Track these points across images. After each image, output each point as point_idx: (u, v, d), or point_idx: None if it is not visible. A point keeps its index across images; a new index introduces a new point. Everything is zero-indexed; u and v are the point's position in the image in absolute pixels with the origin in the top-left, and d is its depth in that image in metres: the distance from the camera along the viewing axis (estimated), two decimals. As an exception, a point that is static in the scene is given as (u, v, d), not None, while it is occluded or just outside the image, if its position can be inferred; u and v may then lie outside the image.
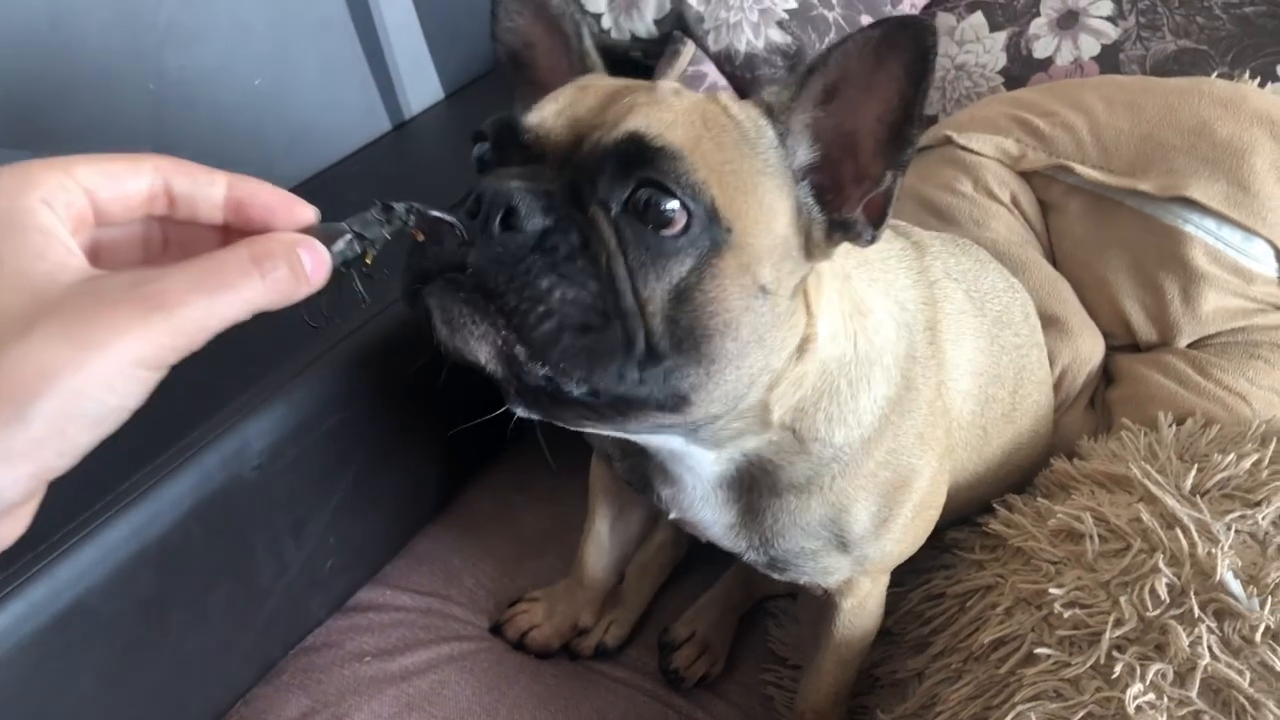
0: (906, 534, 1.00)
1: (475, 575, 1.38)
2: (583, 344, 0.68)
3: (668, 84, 0.78)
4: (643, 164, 0.69)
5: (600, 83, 0.79)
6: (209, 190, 0.56)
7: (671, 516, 1.00)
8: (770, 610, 1.34)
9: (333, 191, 1.45)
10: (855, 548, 0.97)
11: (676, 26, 1.58)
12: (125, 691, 1.07)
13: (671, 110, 0.73)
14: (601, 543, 1.26)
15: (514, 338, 0.68)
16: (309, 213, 0.58)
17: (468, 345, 0.70)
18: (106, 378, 0.47)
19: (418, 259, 0.69)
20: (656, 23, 1.59)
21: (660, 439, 0.87)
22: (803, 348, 0.83)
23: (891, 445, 0.94)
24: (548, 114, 0.74)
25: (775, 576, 1.02)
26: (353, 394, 1.21)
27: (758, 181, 0.73)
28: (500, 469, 1.52)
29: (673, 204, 0.69)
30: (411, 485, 1.39)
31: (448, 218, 0.65)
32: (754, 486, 0.93)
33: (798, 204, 0.76)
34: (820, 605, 1.08)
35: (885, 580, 1.09)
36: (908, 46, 0.67)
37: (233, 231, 0.57)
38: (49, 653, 0.97)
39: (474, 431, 1.46)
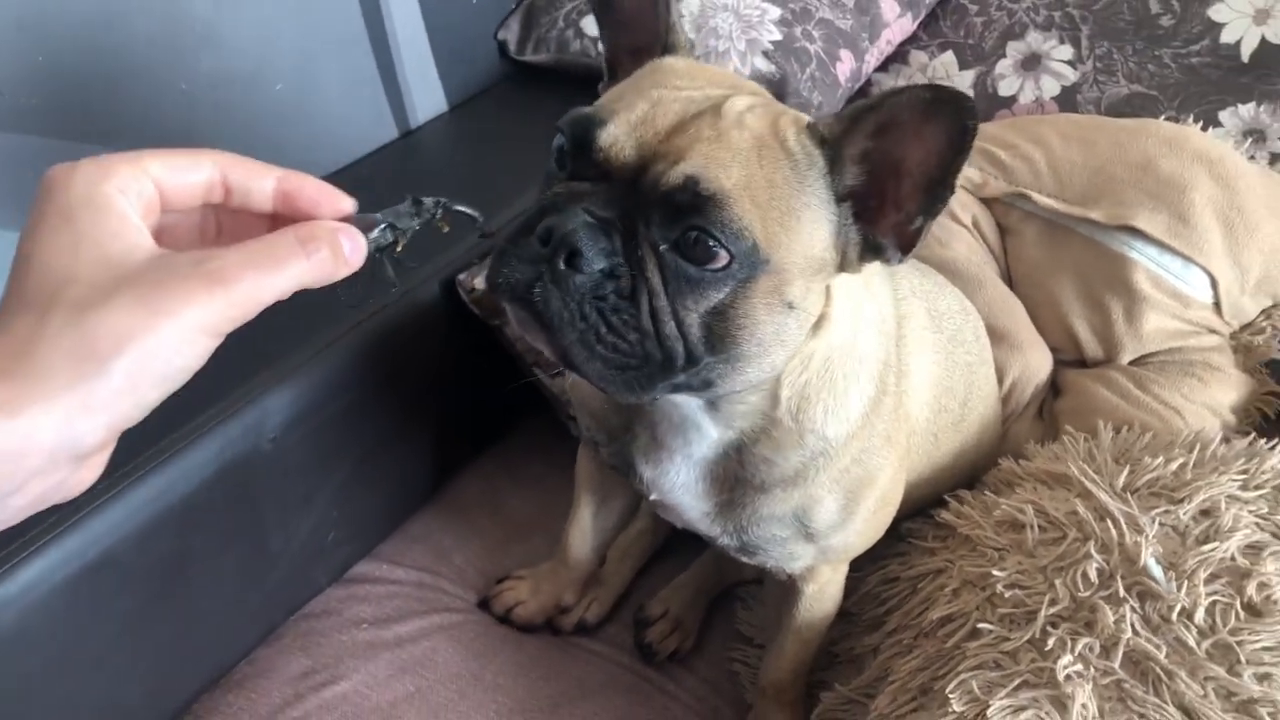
0: (867, 528, 1.09)
1: (464, 554, 1.46)
2: (623, 378, 0.80)
3: (736, 107, 0.81)
4: (693, 212, 0.76)
5: (674, 96, 0.82)
6: (261, 183, 0.63)
7: (652, 498, 1.07)
8: (739, 595, 1.43)
9: (344, 191, 1.54)
10: (820, 538, 1.05)
11: (667, 53, 1.69)
12: (143, 641, 1.15)
13: (730, 149, 0.78)
14: (585, 528, 1.34)
15: (569, 363, 0.80)
16: (349, 203, 0.65)
17: (536, 342, 0.83)
18: (175, 341, 0.54)
19: (499, 271, 0.80)
20: (599, 87, 1.70)
21: (679, 399, 0.94)
22: (818, 324, 0.90)
23: (863, 444, 1.01)
24: (620, 134, 0.79)
25: (744, 560, 1.10)
26: (362, 379, 1.31)
27: (802, 213, 0.80)
28: (491, 458, 1.60)
29: (716, 246, 0.77)
30: (408, 468, 1.48)
31: (471, 212, 0.73)
32: (738, 485, 1.00)
33: (838, 226, 0.83)
34: (784, 589, 1.16)
35: (844, 569, 1.17)
36: (951, 117, 0.73)
37: (280, 220, 0.64)
38: (78, 600, 1.05)
39: (468, 421, 1.56)
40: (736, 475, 1.00)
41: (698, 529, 1.09)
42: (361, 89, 1.62)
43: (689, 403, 0.94)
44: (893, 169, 0.79)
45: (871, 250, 0.84)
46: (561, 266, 0.76)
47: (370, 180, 1.62)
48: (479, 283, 1.39)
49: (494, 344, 1.45)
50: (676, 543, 1.45)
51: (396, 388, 1.38)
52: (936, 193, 0.78)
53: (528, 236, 0.78)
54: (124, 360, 0.53)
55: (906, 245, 0.83)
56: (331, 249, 0.60)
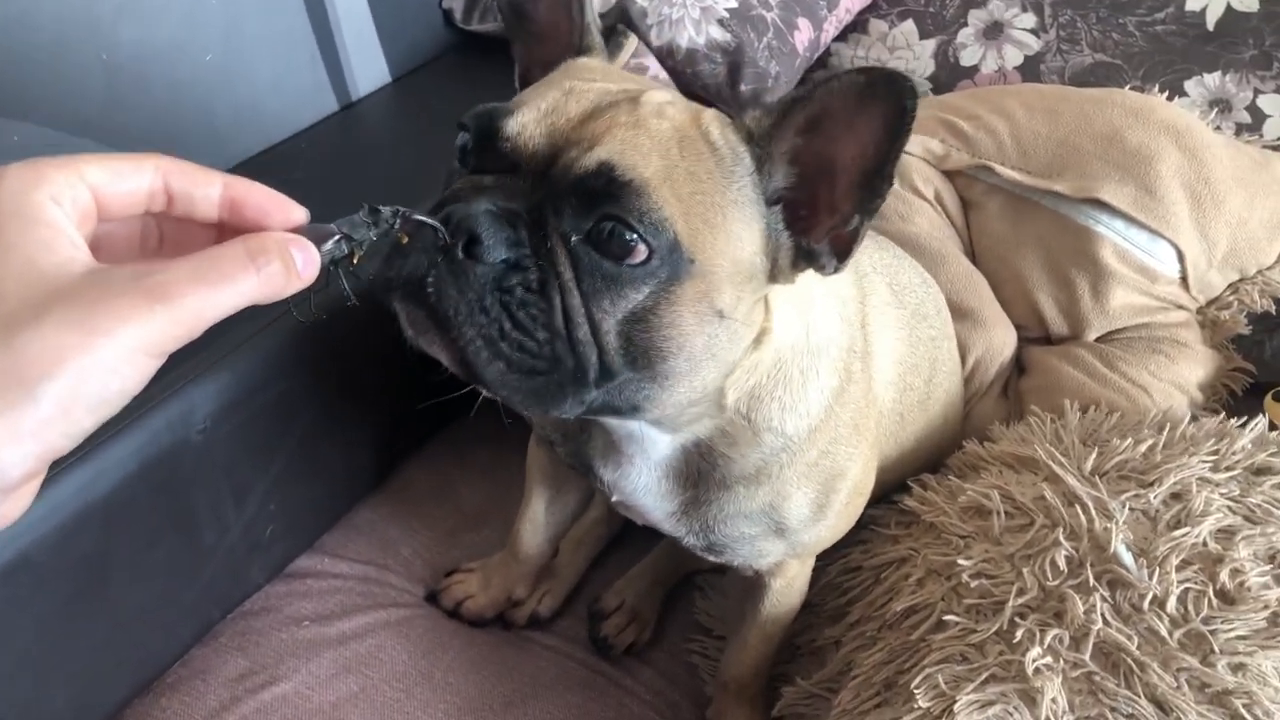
0: (840, 521, 1.05)
1: (412, 545, 1.41)
2: (530, 385, 0.73)
3: (654, 99, 0.77)
4: (607, 199, 0.70)
5: (587, 87, 0.78)
6: (206, 190, 0.59)
7: (614, 500, 1.03)
8: (697, 583, 1.39)
9: (280, 168, 1.47)
10: (792, 534, 1.00)
11: (621, 21, 1.63)
12: (66, 646, 1.09)
13: (649, 137, 0.73)
14: (537, 520, 1.29)
15: (467, 368, 0.72)
16: (300, 213, 0.60)
17: (432, 348, 0.75)
18: (112, 362, 0.50)
19: (389, 263, 0.71)
20: (601, 16, 1.64)
21: (618, 421, 0.90)
22: (759, 339, 0.85)
23: (831, 435, 0.97)
24: (529, 121, 0.74)
25: (711, 559, 1.06)
26: (296, 365, 1.24)
27: (728, 212, 0.74)
28: (439, 444, 1.55)
29: (633, 237, 0.71)
30: (351, 457, 1.42)
31: (432, 222, 0.68)
32: (701, 480, 0.96)
33: (768, 230, 0.77)
34: (749, 584, 1.13)
35: (812, 562, 1.14)
36: (888, 99, 0.68)
37: (226, 229, 0.60)
38: (-7, 604, 0.99)
39: (414, 408, 1.50)
40: (699, 470, 0.95)
41: (662, 529, 1.05)
42: (298, 58, 1.55)
43: (630, 422, 0.89)
44: (825, 168, 0.74)
45: (805, 258, 0.79)
46: (459, 255, 0.69)
47: (309, 155, 1.55)
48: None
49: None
50: (631, 532, 1.40)
51: (335, 374, 1.31)
52: (873, 186, 0.73)
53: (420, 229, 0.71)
54: (55, 384, 0.49)
55: (843, 251, 0.78)
56: (283, 262, 0.56)
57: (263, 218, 0.59)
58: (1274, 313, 1.44)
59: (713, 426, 0.91)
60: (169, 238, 0.62)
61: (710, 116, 0.77)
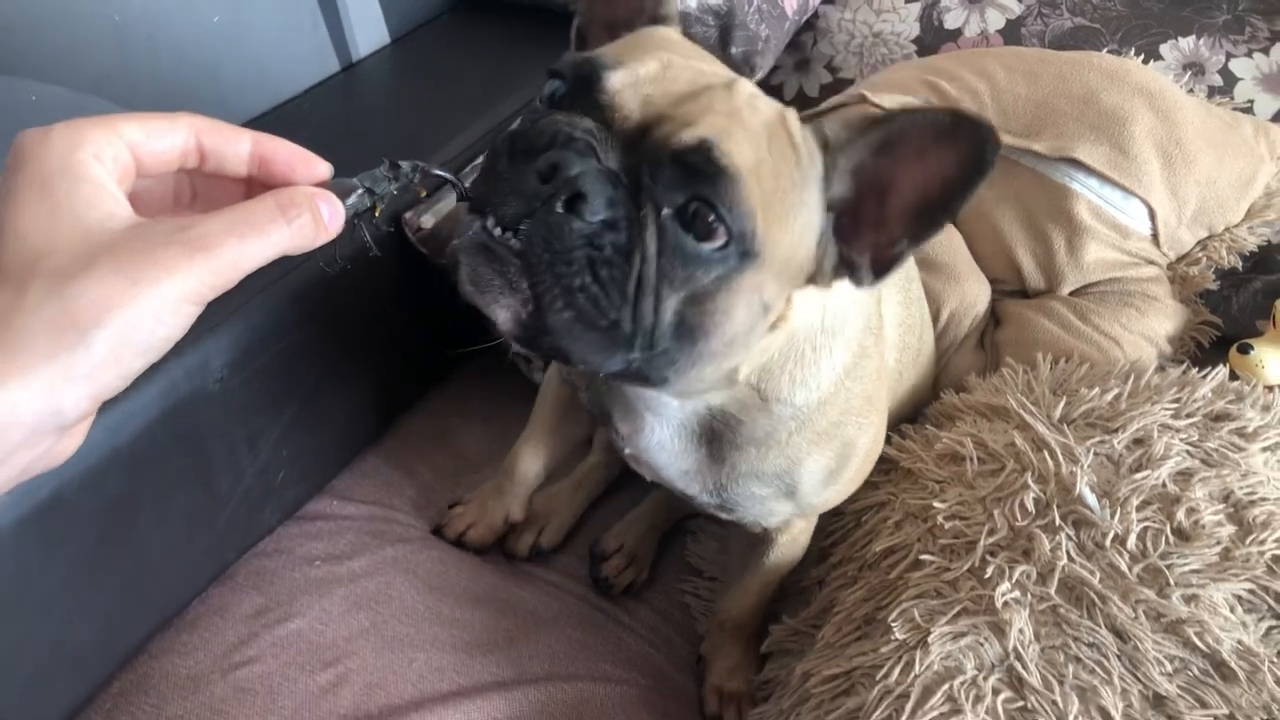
0: (849, 485, 1.10)
1: (416, 486, 1.47)
2: (591, 336, 0.73)
3: (746, 89, 0.78)
4: (704, 180, 0.71)
5: (684, 64, 0.77)
6: (237, 146, 0.62)
7: (626, 452, 1.06)
8: (689, 529, 1.46)
9: (284, 128, 1.50)
10: (802, 497, 1.04)
11: (657, 23, 1.66)
12: (94, 583, 1.14)
13: (744, 127, 0.73)
14: (537, 446, 1.33)
15: (535, 315, 0.72)
16: (325, 168, 0.64)
17: (489, 307, 0.74)
18: (156, 310, 0.54)
19: (482, 191, 0.72)
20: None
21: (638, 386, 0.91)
22: (775, 325, 0.85)
23: (843, 407, 0.99)
24: (629, 83, 0.74)
25: (722, 516, 1.10)
26: (306, 319, 1.29)
27: (799, 212, 0.76)
28: (439, 395, 1.61)
29: (718, 223, 0.72)
30: (357, 406, 1.47)
31: (448, 176, 0.71)
32: (715, 439, 0.98)
33: (821, 236, 0.79)
34: (753, 536, 1.17)
35: (815, 518, 1.19)
36: (971, 144, 0.69)
37: (255, 184, 0.63)
38: (26, 542, 1.04)
39: (416, 360, 1.56)
40: (712, 431, 0.98)
41: (674, 486, 1.07)
42: (301, 21, 1.59)
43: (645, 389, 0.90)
44: (880, 187, 0.76)
45: (846, 268, 0.81)
46: (559, 209, 0.69)
47: (311, 115, 1.59)
48: (425, 221, 1.38)
49: (441, 282, 1.44)
50: (629, 478, 1.46)
51: (341, 327, 1.37)
52: (931, 218, 0.74)
53: (524, 164, 0.70)
54: (105, 331, 0.52)
55: (882, 269, 0.79)
56: (312, 215, 0.60)
57: (290, 173, 0.63)
58: (1241, 269, 1.50)
59: (724, 396, 0.93)
60: (201, 193, 0.66)
61: (794, 116, 0.78)
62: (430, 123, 1.53)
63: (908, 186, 0.74)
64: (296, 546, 1.36)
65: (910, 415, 1.33)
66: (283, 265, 1.24)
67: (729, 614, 1.27)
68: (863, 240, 0.79)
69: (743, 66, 1.66)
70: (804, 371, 0.93)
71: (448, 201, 1.40)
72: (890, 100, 1.52)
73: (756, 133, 0.74)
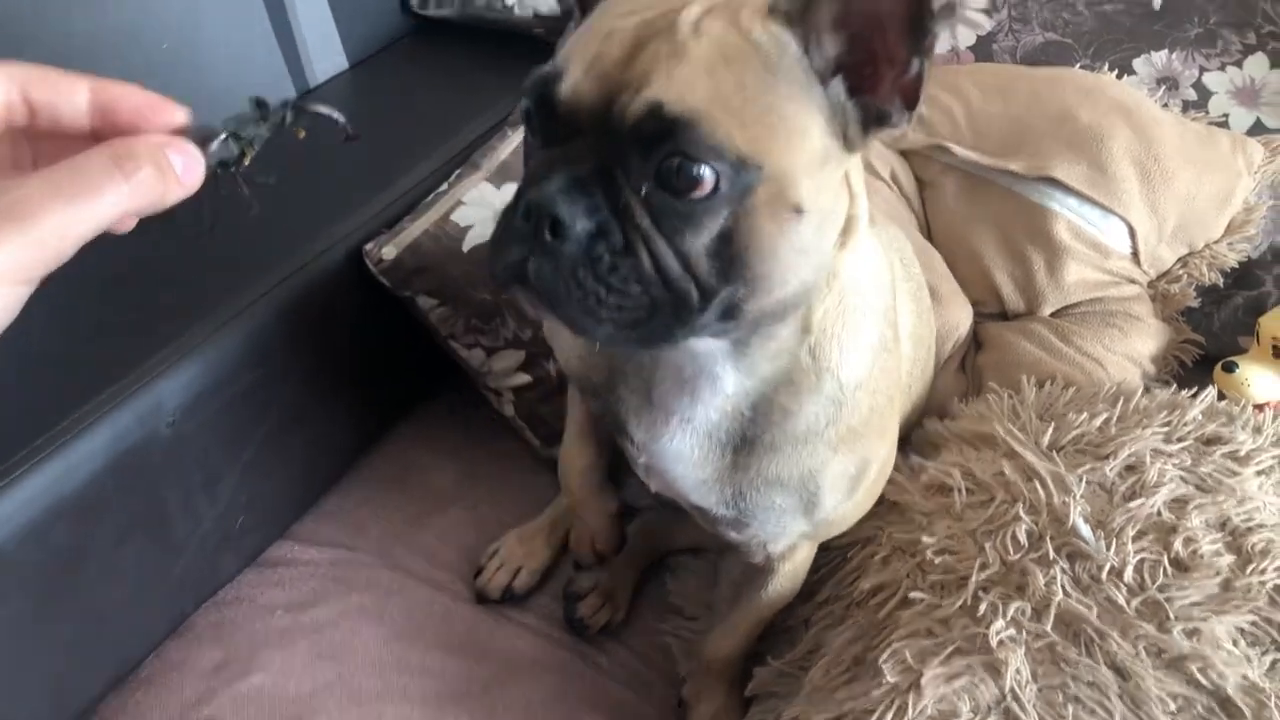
0: (866, 499, 1.06)
1: (381, 527, 1.42)
2: (640, 333, 0.76)
3: (690, 16, 0.75)
4: (664, 138, 0.71)
5: (625, 24, 0.76)
6: (71, 96, 0.54)
7: (641, 462, 1.01)
8: (669, 565, 1.41)
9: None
10: (819, 509, 0.99)
11: (578, 3, 1.63)
12: (40, 642, 1.09)
13: (689, 62, 0.72)
14: (585, 440, 1.24)
15: (592, 330, 0.76)
16: (180, 114, 0.56)
17: (555, 323, 0.80)
18: None
19: (496, 260, 0.76)
20: (559, 1, 1.64)
21: (701, 348, 0.87)
22: (846, 230, 0.84)
23: (870, 403, 0.96)
24: (578, 79, 0.74)
25: (732, 535, 1.05)
26: (265, 355, 1.24)
27: (784, 108, 0.74)
28: (405, 430, 1.56)
29: (697, 168, 0.71)
30: (318, 445, 1.42)
31: (330, 113, 0.64)
32: (745, 445, 0.94)
33: (831, 107, 0.76)
34: (750, 569, 1.13)
35: (816, 548, 1.14)
36: None
37: (102, 140, 0.53)
38: (-34, 602, 0.99)
39: (380, 395, 1.51)
40: (744, 434, 0.94)
41: (688, 499, 1.02)
42: (255, 46, 1.54)
43: (710, 350, 0.87)
44: (874, 24, 0.73)
45: (875, 120, 0.77)
46: (548, 238, 0.72)
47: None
48: (387, 252, 1.33)
49: (405, 315, 1.39)
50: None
51: (302, 363, 1.32)
52: (920, 26, 0.72)
53: (513, 217, 0.74)
54: None
55: (911, 98, 0.76)
56: (157, 167, 0.52)
57: (139, 121, 0.55)
58: (1221, 285, 1.48)
59: (784, 368, 0.90)
60: (45, 158, 0.56)
61: (749, 14, 0.75)
62: (392, 148, 1.48)
63: (889, 7, 0.72)
64: (257, 595, 1.31)
65: (904, 436, 1.28)
66: (244, 296, 1.22)
67: (713, 655, 1.22)
68: (884, 81, 0.75)
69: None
70: (850, 337, 0.91)
71: (410, 231, 1.35)
72: None
73: (706, 59, 0.73)
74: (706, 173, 0.71)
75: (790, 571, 1.12)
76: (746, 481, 0.96)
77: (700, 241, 0.74)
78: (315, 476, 1.44)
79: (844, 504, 1.02)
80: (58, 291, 0.49)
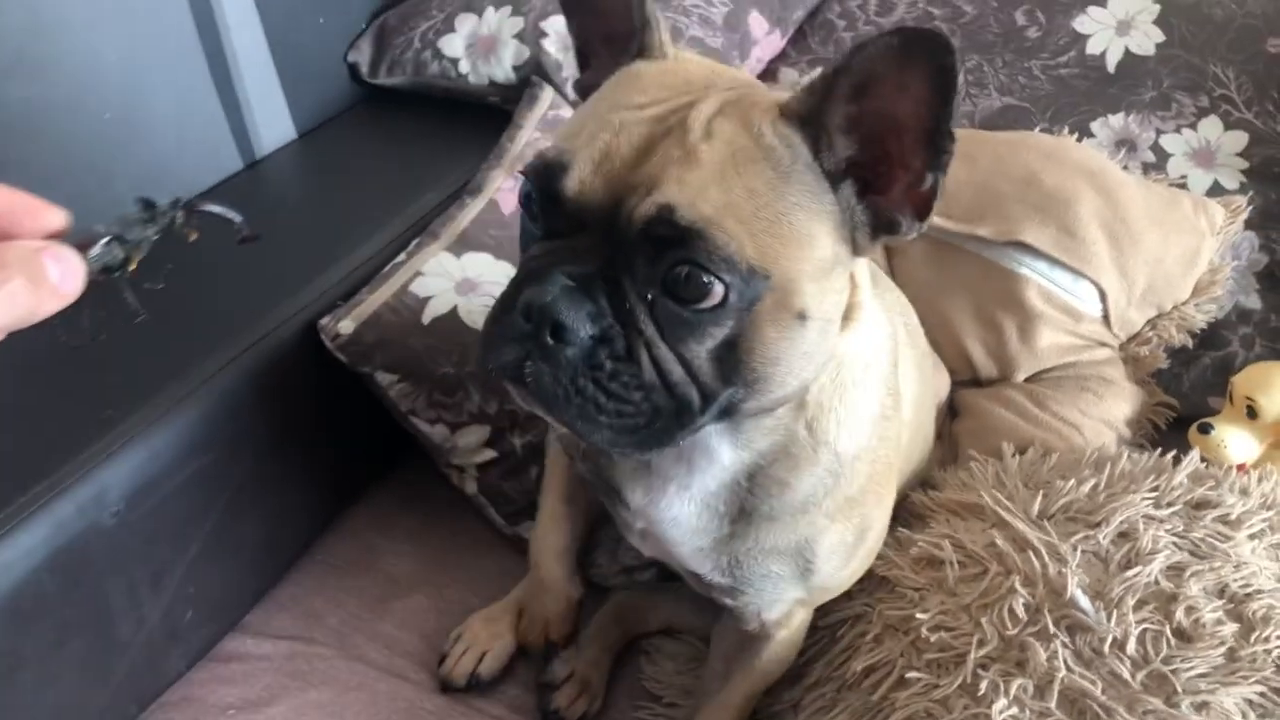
0: (861, 565, 1.04)
1: (339, 615, 1.34)
2: (638, 438, 0.76)
3: (702, 116, 0.74)
4: (674, 245, 0.70)
5: (636, 118, 0.76)
6: None
7: (638, 527, 0.99)
8: (644, 649, 1.34)
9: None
10: (815, 576, 0.97)
11: (535, 73, 1.60)
12: (-31, 758, 1.00)
13: (702, 168, 0.71)
14: (558, 521, 1.23)
15: (588, 432, 0.75)
16: (58, 217, 0.51)
17: (549, 419, 0.79)
18: None
19: (488, 354, 0.76)
20: (515, 69, 1.61)
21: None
22: (848, 315, 0.83)
23: (868, 471, 0.95)
24: (586, 175, 0.74)
25: (726, 601, 1.02)
26: (214, 438, 1.18)
27: (794, 215, 0.73)
28: (362, 512, 1.48)
29: (707, 279, 0.70)
30: (273, 530, 1.34)
31: (223, 212, 0.61)
32: (742, 516, 0.93)
33: (840, 211, 0.76)
34: (743, 638, 1.09)
35: (811, 615, 1.11)
36: (927, 58, 0.67)
37: None
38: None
39: (335, 475, 1.44)
40: (743, 505, 0.92)
41: (685, 565, 1.01)
42: (200, 117, 1.49)
43: (706, 429, 0.85)
44: (889, 126, 0.72)
45: (884, 227, 0.77)
46: (549, 341, 0.72)
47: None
48: (344, 327, 1.27)
49: (363, 390, 1.33)
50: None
51: (254, 445, 1.25)
52: (937, 143, 0.71)
53: (511, 313, 0.74)
54: None
55: (922, 210, 0.75)
56: (29, 277, 0.47)
57: (11, 226, 0.50)
58: (1190, 346, 1.47)
59: (780, 443, 0.89)
60: None
61: (760, 113, 0.75)
62: (344, 219, 1.43)
63: (907, 116, 0.71)
64: (208, 694, 1.23)
65: (896, 505, 1.25)
66: (191, 379, 1.15)
67: None
68: (896, 185, 0.75)
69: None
70: (847, 411, 0.90)
71: (368, 304, 1.30)
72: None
73: (718, 165, 0.72)
74: (716, 283, 0.71)
75: (786, 639, 1.08)
76: (744, 551, 0.95)
77: (705, 348, 0.74)
78: (268, 564, 1.36)
79: (841, 571, 1.01)
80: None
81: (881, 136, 0.73)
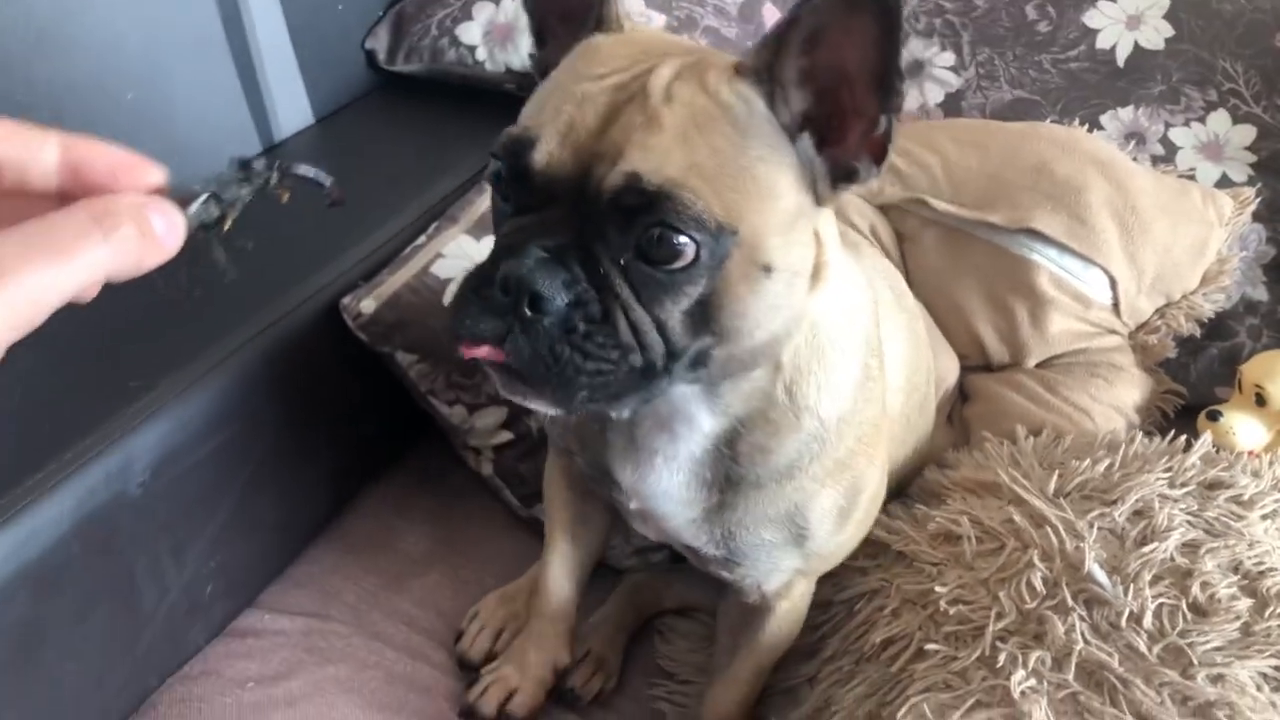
0: (858, 529, 1.04)
1: (356, 593, 1.35)
2: (623, 387, 0.77)
3: (660, 82, 0.75)
4: (643, 210, 0.72)
5: (598, 88, 0.77)
6: (39, 153, 0.49)
7: (632, 506, 1.00)
8: (658, 628, 1.36)
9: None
10: (811, 543, 0.98)
11: (599, 26, 1.61)
12: (-6, 723, 1.01)
13: (664, 131, 0.73)
14: (563, 560, 1.22)
15: (565, 399, 0.77)
16: (158, 174, 0.51)
17: (525, 401, 0.80)
18: None
19: (462, 325, 0.75)
20: (531, 56, 1.62)
21: (675, 389, 0.86)
22: (816, 274, 0.83)
23: (856, 433, 0.96)
24: (553, 148, 0.75)
25: (725, 575, 1.03)
26: (239, 412, 1.19)
27: (756, 169, 0.75)
28: (378, 492, 1.49)
29: (678, 240, 0.72)
30: (293, 506, 1.35)
31: (315, 176, 0.61)
32: (729, 484, 0.94)
33: (800, 163, 0.77)
34: (746, 612, 1.09)
35: (813, 586, 1.11)
36: (870, 2, 0.68)
37: (70, 200, 0.49)
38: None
39: (355, 454, 1.45)
40: (728, 473, 0.93)
41: (680, 539, 1.02)
42: (221, 99, 1.50)
43: (683, 392, 0.87)
44: (840, 76, 0.74)
45: (843, 176, 0.79)
46: (527, 313, 0.73)
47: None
48: (365, 306, 1.28)
49: (382, 371, 1.34)
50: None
51: (276, 420, 1.26)
52: (888, 85, 0.73)
53: (488, 287, 0.74)
54: None
55: (879, 154, 0.77)
56: (138, 227, 0.47)
57: (112, 181, 0.50)
58: (1198, 335, 1.49)
59: (758, 408, 0.90)
60: (5, 220, 0.51)
61: (716, 74, 0.76)
62: (364, 203, 1.44)
63: (856, 64, 0.73)
64: (226, 668, 1.23)
65: (910, 478, 1.27)
66: (217, 352, 1.16)
67: (714, 711, 1.17)
68: (852, 134, 0.77)
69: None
70: (826, 374, 0.91)
71: (389, 284, 1.31)
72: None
73: (679, 127, 0.73)
74: (687, 243, 0.72)
75: (788, 611, 1.09)
76: (735, 520, 0.97)
77: (679, 308, 0.75)
78: (287, 539, 1.37)
79: (836, 535, 1.01)
80: (17, 347, 0.44)
81: (834, 87, 0.75)
